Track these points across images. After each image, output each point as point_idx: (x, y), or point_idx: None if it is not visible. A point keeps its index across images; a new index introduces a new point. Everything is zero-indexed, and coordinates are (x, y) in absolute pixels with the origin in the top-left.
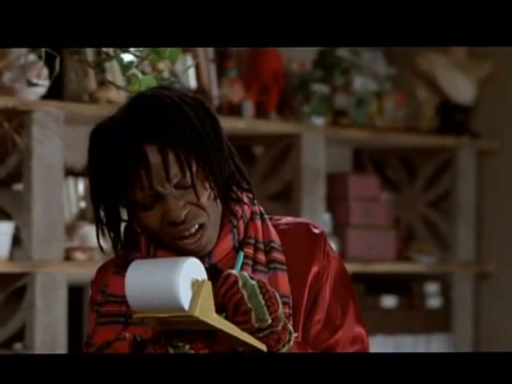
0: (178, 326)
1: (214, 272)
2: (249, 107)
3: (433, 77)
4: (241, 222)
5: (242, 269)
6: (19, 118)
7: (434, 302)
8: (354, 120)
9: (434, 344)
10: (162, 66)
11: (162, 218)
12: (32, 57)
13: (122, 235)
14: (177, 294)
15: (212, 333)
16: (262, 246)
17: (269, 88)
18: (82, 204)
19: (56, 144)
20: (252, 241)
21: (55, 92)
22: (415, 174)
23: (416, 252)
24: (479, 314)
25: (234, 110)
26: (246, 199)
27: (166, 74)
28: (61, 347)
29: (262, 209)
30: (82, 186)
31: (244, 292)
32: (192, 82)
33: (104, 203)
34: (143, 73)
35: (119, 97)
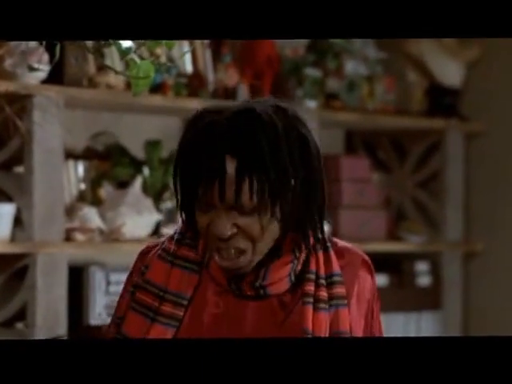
0: None
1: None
2: (244, 91)
3: (422, 60)
4: (303, 254)
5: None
6: (20, 103)
7: (424, 281)
8: (345, 103)
9: (424, 322)
10: (159, 51)
11: (209, 226)
12: (33, 43)
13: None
14: None
15: None
16: (323, 281)
17: (263, 72)
18: (82, 186)
19: (56, 127)
20: (313, 276)
21: (55, 77)
22: (405, 155)
23: (406, 231)
24: (468, 292)
25: (229, 94)
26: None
27: (163, 59)
28: (61, 326)
29: (327, 236)
30: (81, 168)
31: None
32: (188, 67)
33: (181, 192)
34: (141, 58)
35: (118, 81)
